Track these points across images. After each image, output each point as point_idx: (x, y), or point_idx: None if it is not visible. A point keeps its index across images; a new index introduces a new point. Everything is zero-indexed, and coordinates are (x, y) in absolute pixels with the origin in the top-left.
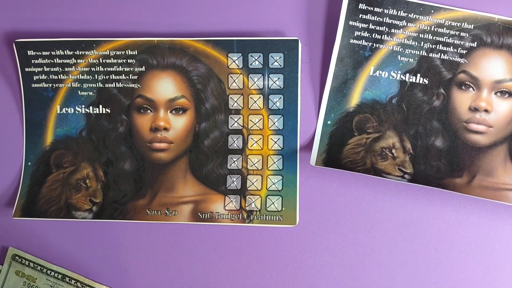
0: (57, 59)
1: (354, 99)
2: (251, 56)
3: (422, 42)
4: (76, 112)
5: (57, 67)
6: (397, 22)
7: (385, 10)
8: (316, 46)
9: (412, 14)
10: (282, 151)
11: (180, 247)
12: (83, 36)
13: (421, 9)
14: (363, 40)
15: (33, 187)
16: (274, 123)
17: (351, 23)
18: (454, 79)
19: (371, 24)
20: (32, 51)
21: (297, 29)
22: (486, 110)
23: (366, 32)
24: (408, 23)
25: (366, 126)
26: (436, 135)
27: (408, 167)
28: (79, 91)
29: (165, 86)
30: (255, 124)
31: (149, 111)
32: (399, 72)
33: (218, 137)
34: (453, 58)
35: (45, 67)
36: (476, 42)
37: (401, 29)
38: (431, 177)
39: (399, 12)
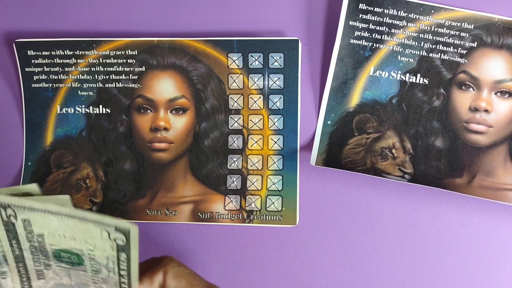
0: (57, 59)
1: (354, 99)
2: (251, 56)
3: (422, 42)
4: (76, 112)
5: (57, 67)
6: (397, 22)
7: (385, 10)
8: (316, 46)
9: (412, 14)
10: (282, 151)
11: (180, 247)
12: (83, 36)
13: (421, 9)
14: (363, 40)
15: None
16: (274, 123)
17: (351, 23)
18: (454, 79)
19: (371, 24)
20: (32, 51)
21: (297, 29)
22: (486, 110)
23: (366, 32)
24: (408, 23)
25: (366, 126)
26: (436, 135)
27: (408, 167)
28: (79, 91)
29: (165, 86)
30: (255, 124)
31: (149, 111)
32: (399, 72)
33: (218, 137)
34: (453, 58)
35: (45, 67)
36: (476, 42)
37: (401, 29)
38: (431, 177)
39: (399, 12)
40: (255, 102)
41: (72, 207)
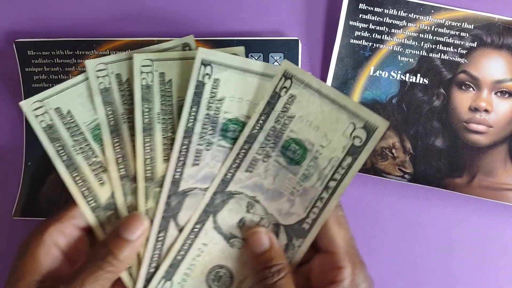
0: (57, 59)
1: (354, 99)
2: (251, 56)
3: (422, 42)
4: None
5: (57, 67)
6: (397, 22)
7: (385, 10)
8: (316, 46)
9: (412, 14)
10: None
11: None
12: (83, 36)
13: (421, 9)
14: (363, 40)
15: (33, 187)
16: None
17: (351, 23)
18: (454, 79)
19: (371, 24)
20: (32, 51)
21: (297, 29)
22: (486, 110)
23: (366, 32)
24: (408, 23)
25: None
26: (436, 135)
27: (408, 167)
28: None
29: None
30: None
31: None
32: (399, 72)
33: None
34: (453, 58)
35: (45, 67)
36: (476, 42)
37: (401, 29)
38: (431, 177)
39: (399, 12)
40: None
41: (337, 91)
